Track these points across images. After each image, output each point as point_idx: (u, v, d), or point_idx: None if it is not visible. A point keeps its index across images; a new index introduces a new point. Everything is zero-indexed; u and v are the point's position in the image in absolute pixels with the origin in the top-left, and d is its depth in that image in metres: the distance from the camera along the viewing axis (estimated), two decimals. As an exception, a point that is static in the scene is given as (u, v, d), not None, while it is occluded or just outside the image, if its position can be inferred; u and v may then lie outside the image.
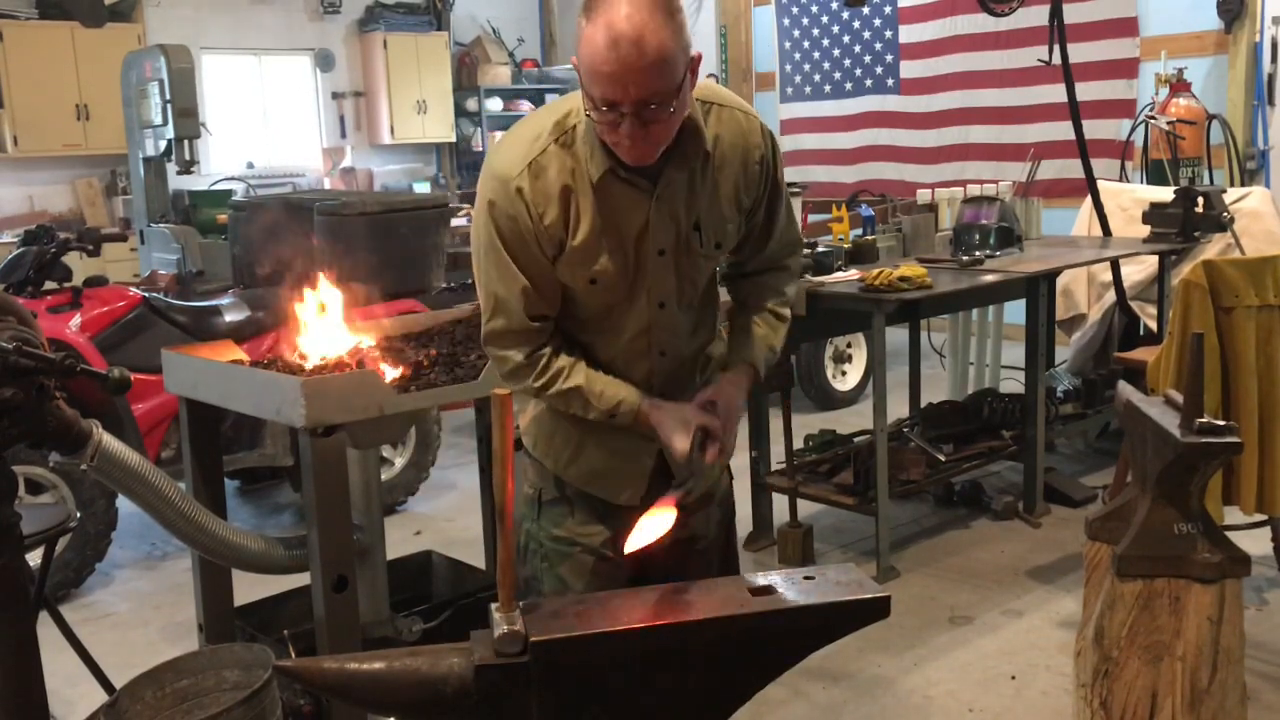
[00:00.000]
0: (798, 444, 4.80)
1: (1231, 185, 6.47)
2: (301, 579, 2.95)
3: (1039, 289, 4.72)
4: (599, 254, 1.95)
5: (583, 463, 2.11)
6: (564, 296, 2.02)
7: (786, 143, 9.70)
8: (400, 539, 4.49)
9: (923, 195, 5.71)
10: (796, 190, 4.90)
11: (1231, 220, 5.11)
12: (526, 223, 1.92)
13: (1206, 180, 6.72)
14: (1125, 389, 2.82)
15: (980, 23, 8.00)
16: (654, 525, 1.79)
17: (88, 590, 4.45)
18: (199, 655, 2.81)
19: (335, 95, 10.67)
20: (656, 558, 2.13)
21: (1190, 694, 2.47)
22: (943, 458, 4.66)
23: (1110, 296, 5.73)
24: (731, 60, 9.97)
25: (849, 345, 6.69)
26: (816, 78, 9.67)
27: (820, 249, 4.63)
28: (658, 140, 1.86)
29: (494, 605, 1.67)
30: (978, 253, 4.79)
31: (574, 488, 2.13)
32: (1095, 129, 7.01)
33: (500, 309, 1.98)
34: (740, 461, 2.25)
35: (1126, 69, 7.64)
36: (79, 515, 4.12)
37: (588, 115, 1.83)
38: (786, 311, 2.22)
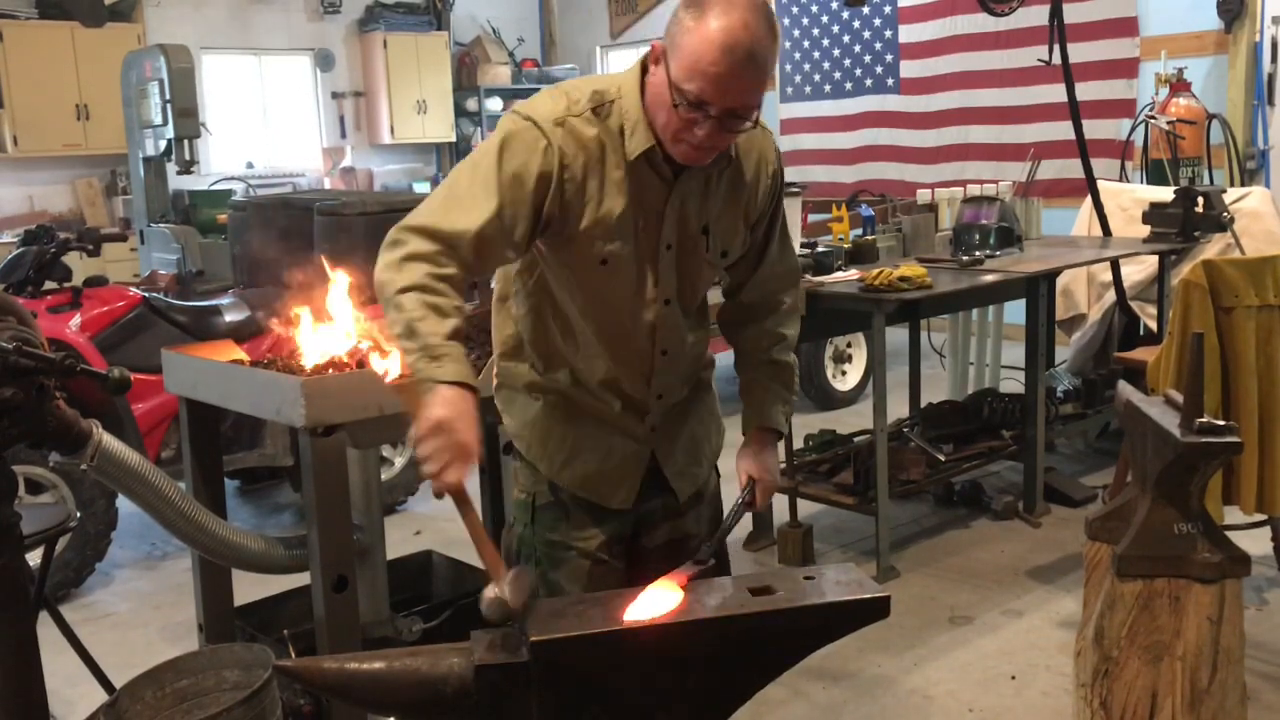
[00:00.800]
0: (798, 444, 4.80)
1: (1231, 185, 6.46)
2: (301, 579, 2.95)
3: (1039, 289, 4.72)
4: (617, 233, 1.93)
5: (577, 466, 2.10)
6: (571, 280, 1.99)
7: (786, 143, 9.70)
8: (400, 539, 4.48)
9: (923, 195, 5.71)
10: (796, 190, 4.89)
11: (1231, 220, 5.10)
12: (548, 162, 1.85)
13: (1206, 180, 6.72)
14: (1125, 389, 2.82)
15: (980, 23, 8.00)
16: (660, 601, 1.75)
17: (88, 590, 4.44)
18: (199, 655, 2.81)
19: (335, 95, 10.67)
20: (650, 559, 2.13)
21: (1190, 694, 2.47)
22: (943, 458, 4.66)
23: (1110, 296, 5.73)
24: (731, 60, 9.96)
25: (849, 345, 6.69)
26: (816, 78, 9.67)
27: (820, 249, 4.63)
28: (720, 146, 1.87)
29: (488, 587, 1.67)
30: (978, 253, 4.79)
31: (568, 491, 2.12)
32: (1095, 129, 7.01)
33: (448, 210, 1.85)
34: (740, 462, 2.25)
35: (1126, 69, 7.64)
36: (79, 515, 4.12)
37: (674, 106, 1.80)
38: (790, 357, 2.22)
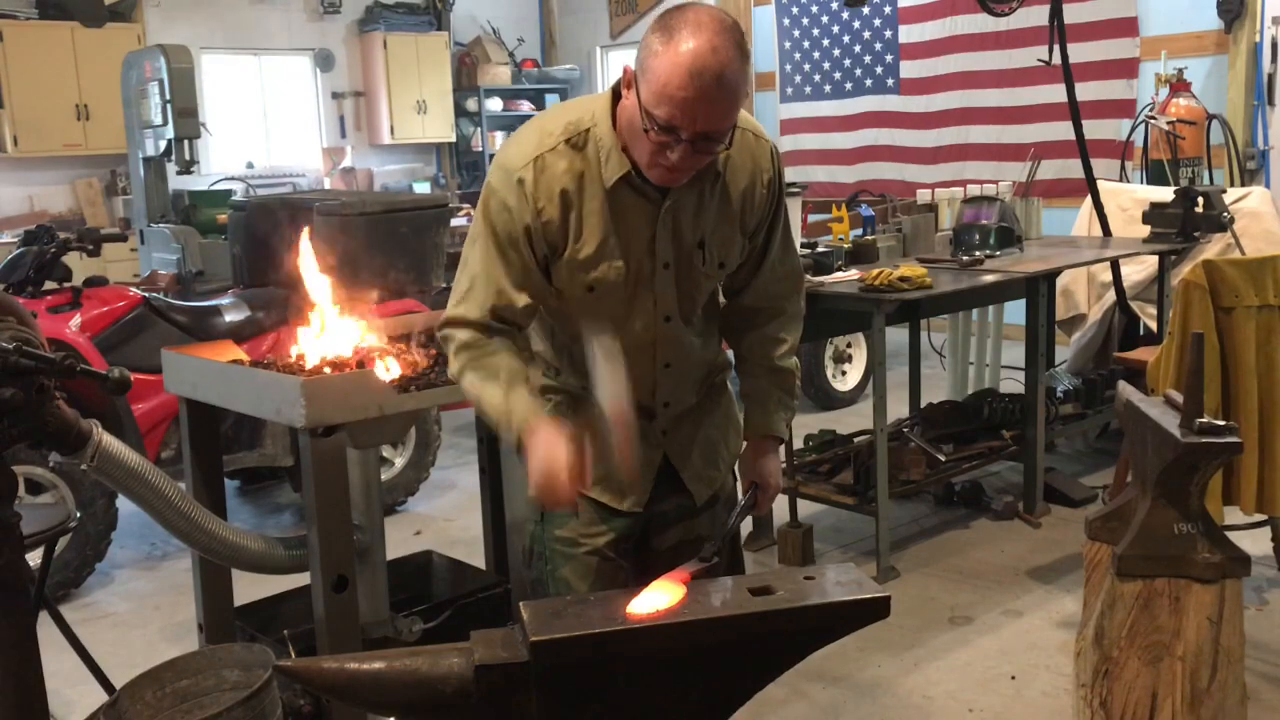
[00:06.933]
0: (798, 444, 4.80)
1: (1231, 185, 6.47)
2: (301, 579, 2.95)
3: (1039, 289, 4.72)
4: (600, 260, 1.95)
5: None
6: (562, 306, 2.02)
7: (786, 143, 9.70)
8: (400, 539, 4.49)
9: (923, 195, 5.71)
10: (796, 190, 4.89)
11: (1231, 220, 5.11)
12: (523, 216, 1.91)
13: (1206, 180, 6.72)
14: (1125, 389, 2.82)
15: (980, 23, 8.00)
16: (662, 597, 1.76)
17: (88, 590, 4.44)
18: (199, 655, 2.81)
19: (335, 95, 10.67)
20: (660, 560, 2.13)
21: (1190, 694, 2.47)
22: (943, 458, 4.66)
23: (1110, 296, 5.73)
24: (731, 60, 9.96)
25: (849, 345, 6.69)
26: (816, 78, 9.67)
27: (820, 249, 4.63)
28: (695, 168, 1.88)
29: None
30: (978, 253, 4.79)
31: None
32: (1095, 129, 7.01)
33: (470, 296, 1.96)
34: (739, 462, 2.26)
35: (1126, 69, 7.64)
36: (79, 515, 4.12)
37: (645, 131, 1.81)
38: (792, 361, 2.23)
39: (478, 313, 1.95)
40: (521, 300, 1.96)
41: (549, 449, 1.83)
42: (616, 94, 1.94)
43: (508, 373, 1.94)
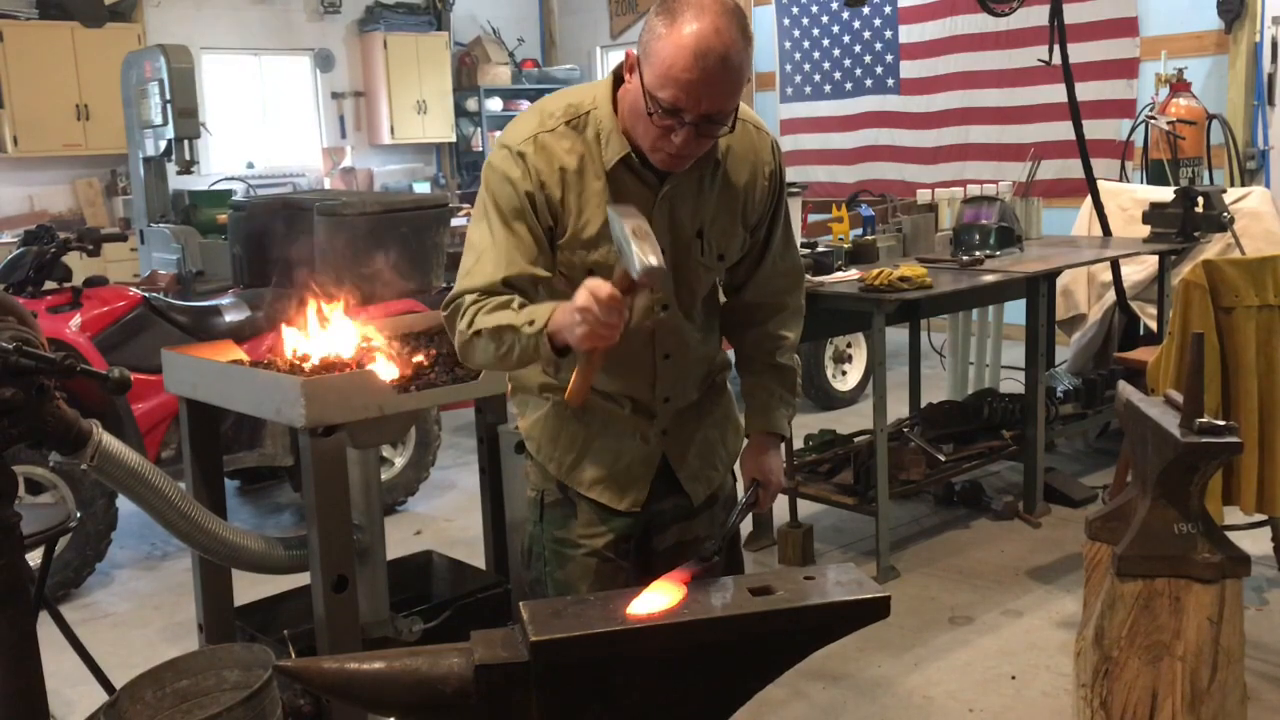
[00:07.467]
0: (798, 444, 4.80)
1: (1231, 185, 6.47)
2: (301, 579, 2.95)
3: (1039, 289, 4.72)
4: (602, 241, 1.94)
5: (586, 468, 2.11)
6: (563, 289, 2.00)
7: (786, 143, 9.70)
8: (400, 539, 4.49)
9: (923, 195, 5.71)
10: (796, 190, 4.89)
11: (1231, 220, 5.11)
12: (525, 185, 1.90)
13: (1206, 180, 6.72)
14: (1125, 389, 2.82)
15: (980, 23, 8.00)
16: (662, 598, 1.76)
17: (88, 590, 4.44)
18: (199, 655, 2.81)
19: (335, 95, 10.67)
20: (659, 560, 2.13)
21: (1190, 694, 2.47)
22: (943, 458, 4.66)
23: (1110, 296, 5.73)
24: (731, 60, 9.95)
25: (849, 345, 6.69)
26: (816, 78, 9.67)
27: (820, 249, 4.63)
28: (698, 152, 1.87)
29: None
30: (978, 253, 4.79)
31: (576, 490, 2.13)
32: (1095, 129, 7.01)
33: (477, 270, 1.91)
34: (739, 461, 2.26)
35: (1126, 69, 7.64)
36: (79, 515, 4.12)
37: (649, 114, 1.80)
38: (792, 359, 2.22)
39: (485, 284, 1.89)
40: (531, 270, 1.91)
41: (583, 292, 1.70)
42: (618, 79, 1.94)
43: (519, 303, 1.86)
